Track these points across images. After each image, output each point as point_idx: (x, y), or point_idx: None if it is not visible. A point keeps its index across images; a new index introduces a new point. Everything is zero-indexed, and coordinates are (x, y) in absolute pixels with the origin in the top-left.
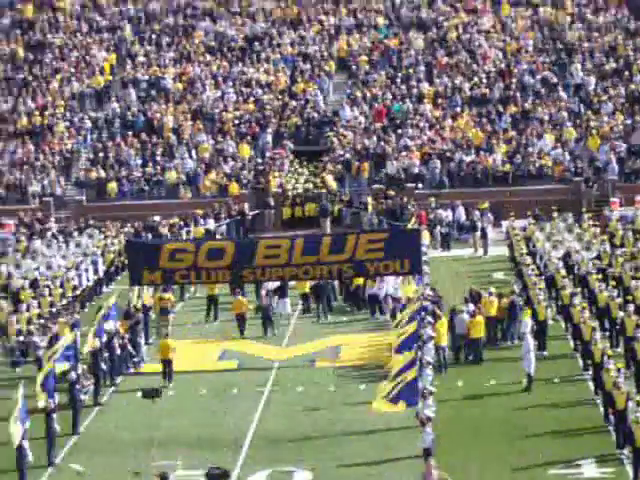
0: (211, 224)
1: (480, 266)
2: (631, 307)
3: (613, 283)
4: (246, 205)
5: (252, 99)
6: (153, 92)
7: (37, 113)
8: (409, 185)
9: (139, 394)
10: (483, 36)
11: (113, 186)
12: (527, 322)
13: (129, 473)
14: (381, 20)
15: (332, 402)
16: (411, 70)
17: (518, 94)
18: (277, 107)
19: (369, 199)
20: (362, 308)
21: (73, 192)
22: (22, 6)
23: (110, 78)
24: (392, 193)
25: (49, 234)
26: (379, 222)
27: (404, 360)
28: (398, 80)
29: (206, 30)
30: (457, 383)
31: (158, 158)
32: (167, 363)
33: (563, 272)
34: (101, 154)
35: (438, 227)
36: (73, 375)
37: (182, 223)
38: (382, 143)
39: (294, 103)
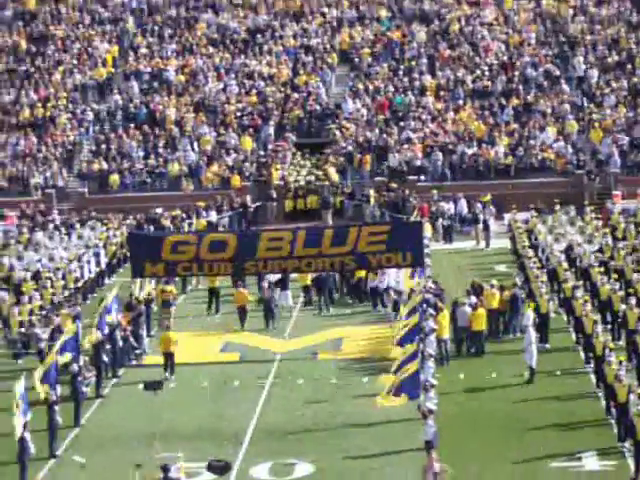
0: (213, 216)
1: (482, 259)
2: (633, 300)
3: (615, 276)
4: (248, 197)
5: (254, 91)
6: (155, 84)
7: (39, 105)
8: (411, 178)
9: (141, 386)
10: (486, 29)
11: (115, 178)
12: (529, 315)
13: (130, 465)
14: (383, 12)
15: (334, 395)
16: (413, 62)
17: (520, 87)
18: (279, 99)
19: (371, 192)
20: (364, 301)
21: (75, 184)
22: None
23: (112, 70)
24: (394, 186)
25: (51, 226)
26: (381, 215)
27: (406, 353)
28: (400, 72)
29: (208, 22)
30: (459, 376)
31: (160, 150)
32: (169, 356)
33: (565, 265)
34: (103, 146)
35: (440, 220)
36: (75, 367)
37: (184, 215)
38: (384, 136)
39: (296, 95)
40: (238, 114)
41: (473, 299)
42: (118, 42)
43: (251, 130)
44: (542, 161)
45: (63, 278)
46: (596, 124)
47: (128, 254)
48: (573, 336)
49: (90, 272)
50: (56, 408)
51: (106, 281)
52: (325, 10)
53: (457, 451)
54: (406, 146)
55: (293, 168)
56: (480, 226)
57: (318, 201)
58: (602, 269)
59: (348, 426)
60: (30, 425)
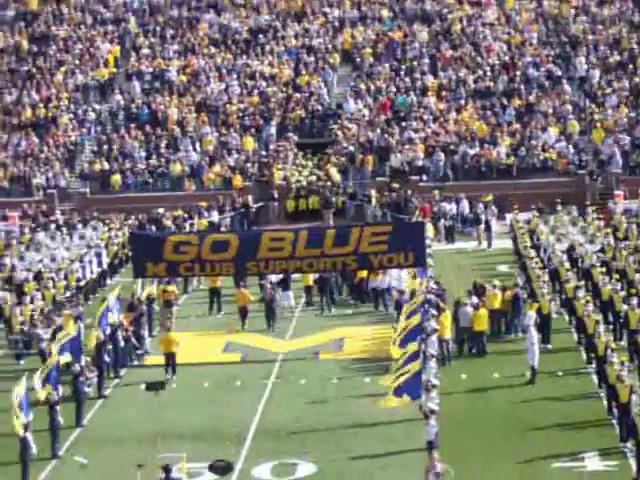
0: (215, 216)
1: (484, 259)
2: (635, 300)
3: (617, 276)
4: (250, 198)
5: (256, 92)
6: (157, 84)
7: (41, 105)
8: (413, 178)
9: (143, 387)
10: (487, 29)
11: (117, 178)
12: (531, 315)
13: (132, 465)
14: (385, 12)
15: (336, 395)
16: (415, 63)
17: (522, 87)
18: (281, 100)
19: (373, 192)
20: (366, 301)
21: (77, 184)
22: None
23: (114, 70)
24: (396, 186)
25: (53, 226)
26: (383, 215)
27: (408, 353)
28: (402, 73)
29: (210, 22)
30: (461, 376)
31: (162, 150)
32: (170, 356)
33: (567, 265)
34: (105, 146)
35: (442, 220)
36: (77, 367)
37: (186, 215)
38: (386, 136)
39: (298, 96)
40: (240, 114)
41: (475, 299)
42: (120, 42)
43: (253, 130)
44: (544, 161)
45: (65, 278)
46: (598, 124)
47: (130, 254)
48: (575, 336)
49: (92, 272)
50: (58, 408)
51: (108, 281)
52: (327, 10)
53: (459, 451)
54: (408, 146)
55: (295, 168)
56: (482, 226)
57: (320, 201)
58: (604, 269)
59: (350, 426)
60: (32, 425)
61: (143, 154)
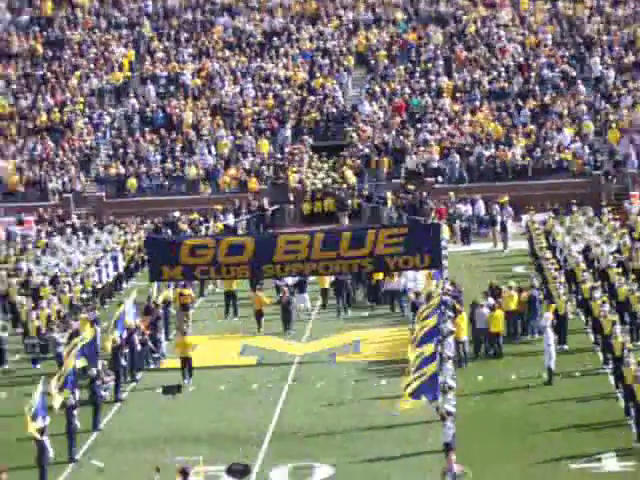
0: (231, 220)
1: (500, 260)
2: None
3: (633, 277)
4: (265, 200)
5: (271, 94)
6: (172, 88)
7: (56, 110)
8: (428, 180)
9: (159, 390)
10: (502, 30)
11: (133, 182)
12: (548, 316)
13: (150, 469)
14: (400, 15)
15: (352, 397)
16: (430, 64)
17: (537, 88)
18: (296, 102)
19: (388, 194)
20: (382, 303)
21: (93, 188)
22: (41, 3)
23: (129, 74)
24: (411, 188)
25: (69, 230)
26: (399, 217)
27: (424, 354)
28: (417, 74)
29: (225, 25)
30: (477, 377)
31: (177, 154)
32: (186, 360)
33: (583, 266)
34: (120, 150)
35: (458, 222)
36: (94, 371)
37: (202, 219)
38: (401, 138)
39: (313, 98)
40: (255, 117)
41: (491, 301)
42: (134, 46)
43: (268, 133)
44: (559, 162)
45: (81, 282)
46: (613, 125)
47: (146, 258)
48: (591, 337)
49: (108, 276)
50: (75, 412)
51: (124, 285)
52: (341, 13)
53: (476, 453)
54: (423, 148)
55: (310, 171)
56: (498, 228)
57: (335, 204)
58: (620, 270)
59: (367, 428)
60: (49, 429)
61: (158, 158)
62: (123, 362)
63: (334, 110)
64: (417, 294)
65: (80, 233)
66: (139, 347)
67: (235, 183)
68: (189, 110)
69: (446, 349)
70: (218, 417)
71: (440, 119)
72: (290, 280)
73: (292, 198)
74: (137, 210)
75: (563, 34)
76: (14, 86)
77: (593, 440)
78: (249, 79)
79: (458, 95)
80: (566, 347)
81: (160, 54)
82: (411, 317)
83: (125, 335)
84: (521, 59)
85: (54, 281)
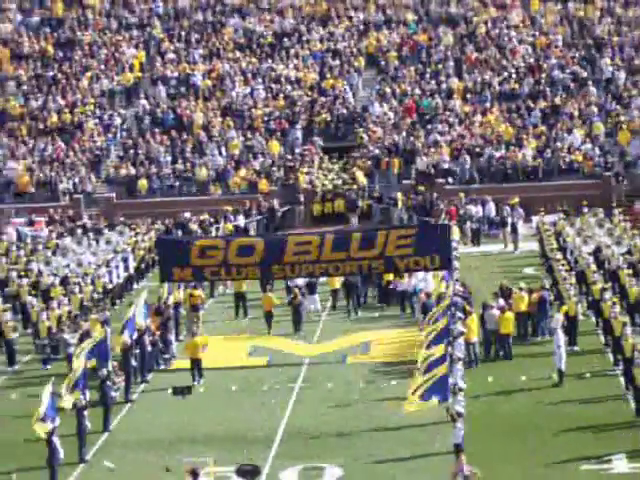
0: (241, 221)
1: (510, 261)
2: None
3: None
4: (276, 201)
5: (281, 95)
6: (182, 89)
7: (67, 110)
8: (439, 181)
9: (170, 391)
10: (512, 31)
11: (143, 183)
12: (558, 318)
13: (160, 469)
14: (410, 16)
15: (362, 398)
16: (440, 65)
17: (548, 89)
18: (306, 103)
19: (399, 195)
20: (392, 304)
21: (103, 189)
22: (52, 4)
23: (140, 75)
24: (422, 189)
25: (79, 231)
26: (409, 218)
27: (434, 355)
28: (427, 76)
29: (235, 26)
30: (487, 379)
31: (188, 155)
32: (195, 362)
33: (594, 267)
34: (131, 151)
35: (468, 223)
36: (104, 372)
37: (212, 220)
38: (412, 139)
39: (323, 99)
40: (265, 118)
41: (501, 302)
42: (145, 47)
43: (278, 134)
44: (570, 163)
45: (92, 283)
46: (624, 126)
47: (156, 259)
48: (602, 338)
49: (118, 277)
50: (85, 413)
51: (134, 286)
52: (352, 14)
53: (486, 454)
54: (433, 149)
55: (320, 172)
56: (508, 229)
57: (345, 205)
58: (631, 271)
59: (377, 429)
60: (59, 430)
61: (169, 159)
62: (133, 363)
63: (344, 111)
64: (428, 295)
65: (91, 234)
66: (149, 348)
67: (245, 184)
68: (199, 111)
69: (456, 350)
70: (228, 418)
71: (450, 120)
72: (300, 281)
73: (302, 199)
74: (147, 211)
75: (574, 35)
76: (25, 87)
77: (603, 441)
78: (259, 80)
79: (468, 96)
80: (576, 348)
81: (171, 55)
82: (421, 318)
83: (135, 336)
84: (532, 60)
85: (64, 282)
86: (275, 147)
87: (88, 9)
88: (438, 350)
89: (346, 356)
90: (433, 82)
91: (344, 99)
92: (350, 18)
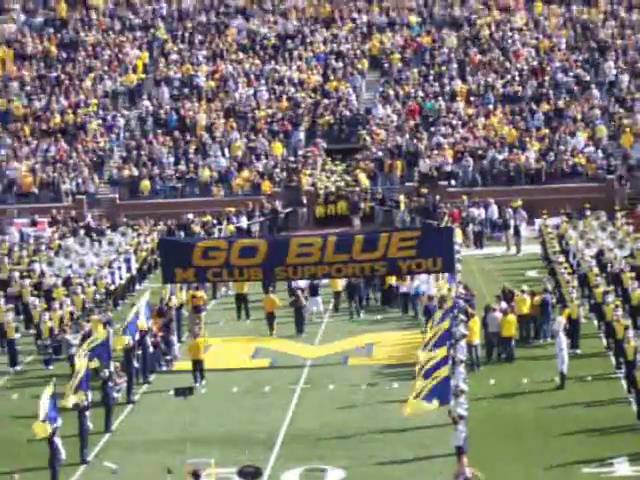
0: (244, 222)
1: (513, 264)
2: None
3: None
4: (278, 203)
5: (285, 97)
6: (186, 90)
7: (70, 111)
8: (442, 183)
9: (172, 392)
10: (516, 34)
11: (146, 184)
12: (560, 321)
13: (161, 470)
14: (414, 18)
15: (364, 400)
16: (444, 68)
17: (551, 92)
18: (310, 105)
19: (401, 197)
20: (394, 306)
21: (106, 190)
22: (55, 4)
23: (143, 76)
24: (425, 191)
25: (82, 232)
26: (411, 220)
27: (436, 357)
28: (431, 78)
29: (239, 28)
30: (489, 381)
31: (191, 156)
32: (197, 363)
33: (596, 270)
34: (134, 152)
35: (471, 225)
36: (106, 373)
37: (215, 221)
38: (415, 141)
39: (327, 101)
40: (268, 120)
41: (504, 305)
42: (148, 48)
43: (281, 136)
44: (573, 166)
45: (94, 284)
46: (627, 129)
47: (159, 260)
48: (604, 341)
49: (121, 278)
50: (87, 413)
51: (137, 287)
52: (355, 16)
53: (488, 456)
54: (436, 151)
55: (323, 174)
56: (511, 231)
57: (348, 207)
58: (633, 274)
59: (379, 432)
60: (61, 431)
61: (172, 160)
62: (135, 364)
63: (348, 113)
64: (430, 298)
65: (93, 235)
66: (151, 349)
67: (248, 186)
68: (203, 112)
69: (458, 353)
70: (230, 419)
71: (454, 122)
72: (303, 283)
73: (305, 201)
74: (150, 212)
75: (577, 38)
76: (28, 87)
77: (605, 444)
78: (263, 82)
79: (472, 99)
80: (578, 351)
81: (174, 56)
82: (424, 321)
83: (137, 337)
84: (535, 63)
85: (67, 283)
86: (278, 149)
87: (92, 10)
88: (440, 352)
89: (347, 358)
90: (436, 84)
91: (347, 101)
92: (354, 20)
